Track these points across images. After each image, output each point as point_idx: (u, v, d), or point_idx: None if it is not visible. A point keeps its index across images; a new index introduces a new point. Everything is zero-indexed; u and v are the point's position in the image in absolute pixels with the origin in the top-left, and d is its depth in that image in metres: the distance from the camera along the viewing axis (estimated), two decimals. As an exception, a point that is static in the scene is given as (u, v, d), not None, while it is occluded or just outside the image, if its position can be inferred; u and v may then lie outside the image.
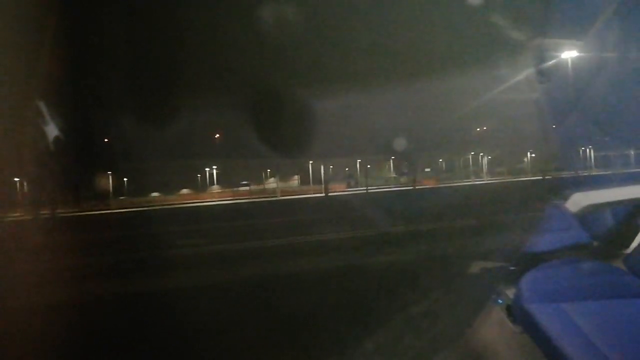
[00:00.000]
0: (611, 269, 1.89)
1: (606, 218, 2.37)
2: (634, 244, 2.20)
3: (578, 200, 1.99)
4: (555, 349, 1.37)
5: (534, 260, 1.94)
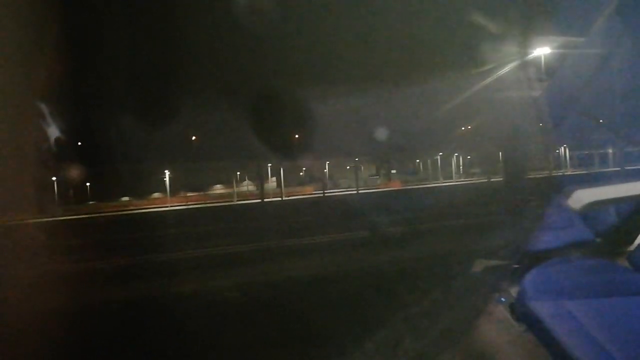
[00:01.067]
0: (615, 267, 1.89)
1: (609, 215, 2.36)
2: (638, 241, 2.19)
3: (580, 197, 1.98)
4: (559, 347, 1.36)
5: (537, 258, 1.93)
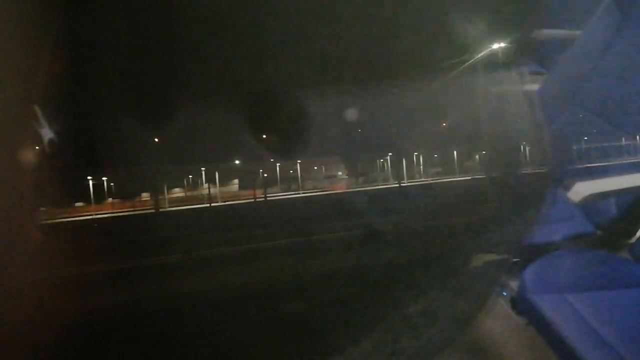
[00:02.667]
0: (616, 259, 1.88)
1: (610, 207, 2.35)
2: (638, 233, 2.19)
3: (581, 189, 1.98)
4: (560, 340, 1.36)
5: (537, 251, 1.93)
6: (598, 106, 2.02)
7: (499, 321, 1.80)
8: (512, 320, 1.76)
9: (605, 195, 2.32)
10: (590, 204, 2.31)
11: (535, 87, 2.30)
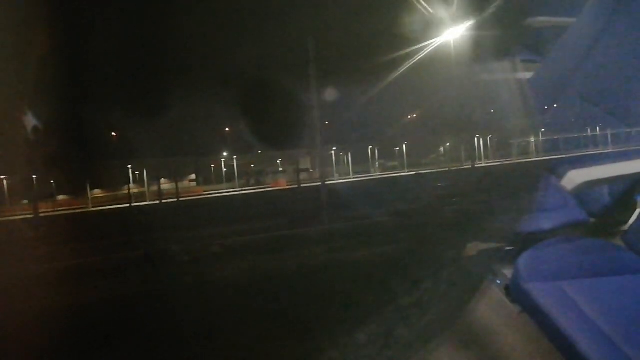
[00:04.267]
0: (609, 246, 1.89)
1: (603, 195, 2.36)
2: (631, 221, 2.19)
3: (574, 178, 1.99)
4: (554, 327, 1.37)
5: (531, 239, 1.93)
6: (591, 94, 2.02)
7: (493, 308, 1.80)
8: (506, 307, 1.76)
9: (598, 182, 2.33)
10: (584, 192, 2.31)
11: (528, 75, 2.29)
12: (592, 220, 2.32)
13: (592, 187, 2.33)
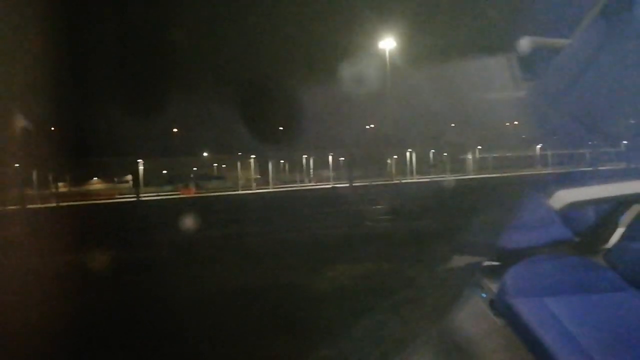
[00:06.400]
0: (592, 264, 1.93)
1: (588, 215, 2.40)
2: (614, 240, 2.24)
3: (561, 197, 2.02)
4: (536, 341, 1.39)
5: (517, 255, 1.96)
6: (583, 114, 2.06)
7: (478, 321, 1.82)
8: (490, 320, 1.78)
9: (584, 203, 2.37)
10: (570, 211, 2.35)
11: (522, 93, 2.33)
12: (577, 238, 2.36)
13: (578, 207, 2.37)
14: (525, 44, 2.26)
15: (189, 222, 8.61)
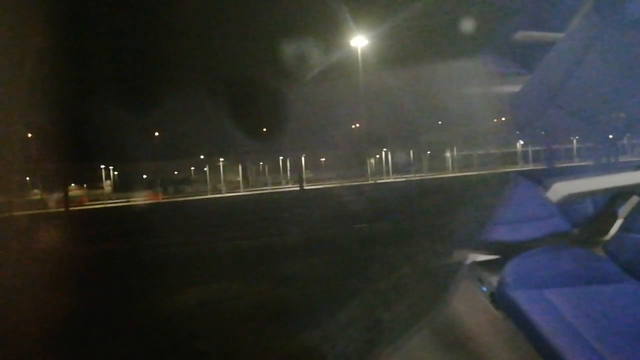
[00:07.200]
0: (591, 256, 1.94)
1: (586, 206, 2.42)
2: (612, 231, 2.26)
3: (559, 189, 2.04)
4: (537, 333, 1.40)
5: (517, 248, 1.98)
6: (576, 107, 2.08)
7: (478, 314, 1.84)
8: (491, 314, 1.80)
9: (582, 195, 2.38)
10: (569, 203, 2.37)
11: (516, 88, 2.35)
12: (576, 230, 2.38)
13: (577, 199, 2.38)
14: (519, 38, 2.27)
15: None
